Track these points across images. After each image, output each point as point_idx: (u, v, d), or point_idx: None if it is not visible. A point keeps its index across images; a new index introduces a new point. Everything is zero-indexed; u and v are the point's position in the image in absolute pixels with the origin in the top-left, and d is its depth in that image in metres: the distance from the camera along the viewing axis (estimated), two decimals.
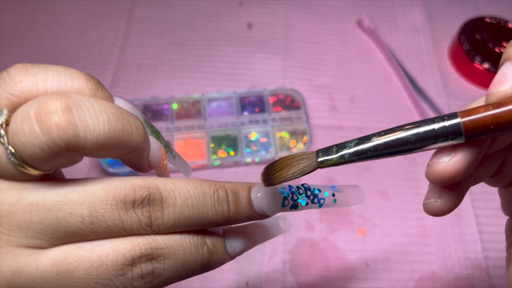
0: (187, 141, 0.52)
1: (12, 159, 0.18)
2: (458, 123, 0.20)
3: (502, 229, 0.28)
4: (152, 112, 0.54)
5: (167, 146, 0.25)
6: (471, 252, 0.46)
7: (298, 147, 0.52)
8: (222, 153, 0.51)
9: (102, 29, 0.62)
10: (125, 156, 0.21)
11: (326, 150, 0.22)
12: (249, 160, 0.51)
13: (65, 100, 0.18)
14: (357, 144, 0.22)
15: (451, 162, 0.21)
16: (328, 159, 0.22)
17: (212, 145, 0.52)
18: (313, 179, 0.50)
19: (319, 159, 0.22)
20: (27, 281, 0.18)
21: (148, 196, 0.20)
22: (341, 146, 0.22)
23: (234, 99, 0.55)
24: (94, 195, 0.19)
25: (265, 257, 0.45)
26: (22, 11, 0.64)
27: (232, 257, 0.24)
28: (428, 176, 0.22)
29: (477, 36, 0.60)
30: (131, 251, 0.19)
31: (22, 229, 0.18)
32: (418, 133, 0.21)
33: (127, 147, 0.20)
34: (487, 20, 0.62)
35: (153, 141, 0.22)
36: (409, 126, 0.21)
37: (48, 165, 0.18)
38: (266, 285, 0.43)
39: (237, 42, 0.62)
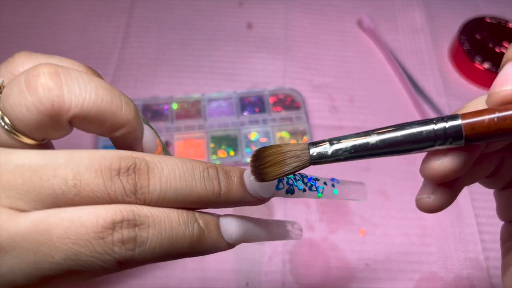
0: (187, 141, 0.52)
1: (2, 123, 0.19)
2: (459, 125, 0.19)
3: None
4: (152, 112, 0.54)
5: (165, 149, 0.25)
6: (471, 252, 0.46)
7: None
8: (222, 153, 0.51)
9: (102, 29, 0.62)
10: (115, 132, 0.21)
11: (319, 147, 0.21)
12: (249, 160, 0.51)
13: (54, 67, 0.19)
14: (353, 141, 0.20)
15: (446, 160, 0.21)
16: (322, 159, 0.21)
17: (212, 145, 0.52)
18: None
19: (312, 157, 0.21)
20: (4, 239, 0.17)
21: (134, 165, 0.19)
22: (335, 142, 0.21)
23: (234, 99, 0.55)
24: (79, 160, 0.19)
25: (265, 257, 0.45)
26: (22, 11, 0.64)
27: (229, 245, 0.23)
28: (422, 172, 0.22)
29: (477, 36, 0.60)
30: (112, 216, 0.18)
31: (6, 190, 0.18)
32: (416, 133, 0.20)
33: (116, 121, 0.20)
34: (487, 20, 0.62)
35: (147, 129, 0.23)
36: (408, 125, 0.20)
37: (36, 130, 0.19)
38: (266, 285, 0.43)
39: (237, 42, 0.62)
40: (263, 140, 0.52)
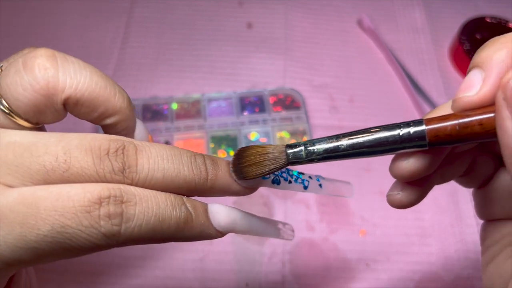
0: (187, 141, 0.52)
1: (0, 105, 0.19)
2: (423, 131, 0.20)
3: None
4: (151, 112, 0.54)
5: None
6: (471, 252, 0.46)
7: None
8: (222, 153, 0.51)
9: (102, 29, 0.62)
10: (107, 119, 0.22)
11: (296, 149, 0.22)
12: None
13: (51, 51, 0.20)
14: (325, 144, 0.22)
15: (411, 161, 0.22)
16: (298, 160, 0.22)
17: (212, 145, 0.52)
18: None
19: (289, 158, 0.22)
20: None
21: (122, 147, 0.20)
22: (309, 145, 0.22)
23: (234, 99, 0.55)
24: (70, 140, 0.19)
25: (265, 258, 0.45)
26: (22, 11, 0.64)
27: (218, 232, 0.23)
28: (390, 171, 0.23)
29: (478, 36, 0.60)
30: (100, 192, 0.19)
31: None
32: (383, 138, 0.21)
33: (109, 107, 0.21)
34: (488, 20, 0.62)
35: (139, 123, 0.24)
36: (375, 130, 0.21)
37: (32, 111, 0.20)
38: (266, 285, 0.43)
39: (237, 42, 0.62)
40: (263, 140, 0.52)
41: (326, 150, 0.22)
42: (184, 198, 0.22)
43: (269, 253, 0.45)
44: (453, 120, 0.20)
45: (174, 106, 0.54)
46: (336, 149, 0.22)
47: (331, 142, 0.22)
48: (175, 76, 0.58)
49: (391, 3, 0.67)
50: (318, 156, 0.22)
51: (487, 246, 0.26)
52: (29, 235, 0.18)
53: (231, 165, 0.23)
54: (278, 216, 0.47)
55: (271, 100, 0.55)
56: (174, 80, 0.58)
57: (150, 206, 0.20)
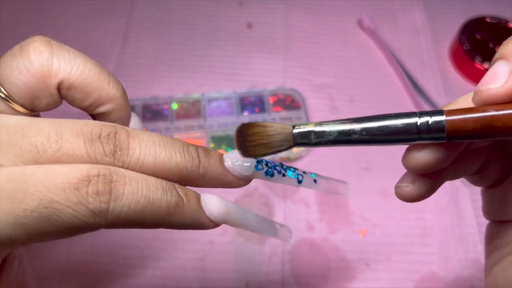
0: (187, 141, 0.52)
1: None
2: (442, 122, 0.19)
3: None
4: (152, 112, 0.54)
5: None
6: (471, 252, 0.46)
7: (298, 147, 0.52)
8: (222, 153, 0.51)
9: (102, 29, 0.62)
10: (101, 107, 0.22)
11: (303, 131, 0.21)
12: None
13: (47, 38, 0.21)
14: (337, 126, 0.21)
15: (427, 152, 0.21)
16: (306, 143, 0.21)
17: (212, 145, 0.52)
18: None
19: (296, 139, 0.21)
20: None
21: (114, 131, 0.20)
22: (319, 126, 0.21)
23: (234, 99, 0.55)
24: (62, 124, 0.20)
25: (265, 257, 0.45)
26: (22, 11, 0.64)
27: (211, 221, 0.22)
28: (403, 162, 0.22)
29: (478, 36, 0.60)
30: (89, 170, 0.19)
31: None
32: (400, 124, 0.20)
33: (102, 94, 0.21)
34: (488, 20, 0.62)
35: (134, 116, 0.24)
36: (391, 116, 0.20)
37: (26, 94, 0.20)
38: (266, 285, 0.43)
39: (237, 42, 0.62)
40: None
41: (336, 133, 0.20)
42: (176, 184, 0.22)
43: (269, 253, 0.45)
44: (476, 113, 0.19)
45: (174, 106, 0.54)
46: (347, 132, 0.20)
47: (342, 124, 0.20)
48: (175, 76, 0.58)
49: (391, 3, 0.67)
50: (329, 137, 0.20)
51: (494, 248, 0.26)
52: (17, 210, 0.18)
53: (235, 142, 0.22)
54: (278, 216, 0.47)
55: (271, 100, 0.55)
56: (174, 80, 0.58)
57: (140, 187, 0.20)
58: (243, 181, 0.24)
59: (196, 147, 0.23)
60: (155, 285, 0.43)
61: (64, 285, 0.42)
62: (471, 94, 0.21)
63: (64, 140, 0.19)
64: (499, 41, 0.59)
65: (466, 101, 0.21)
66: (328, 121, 0.21)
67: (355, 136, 0.20)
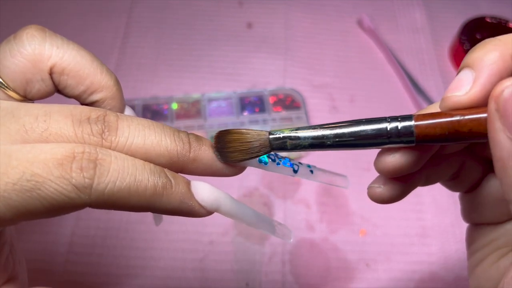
0: None
1: None
2: (411, 126, 0.20)
3: None
4: (152, 112, 0.54)
5: None
6: None
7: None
8: None
9: (102, 29, 0.62)
10: (93, 95, 0.22)
11: (278, 139, 0.22)
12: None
13: (42, 26, 0.21)
14: (310, 132, 0.21)
15: (397, 156, 0.22)
16: (282, 149, 0.22)
17: None
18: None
19: (273, 146, 0.22)
20: None
21: (104, 115, 0.20)
22: (293, 133, 0.22)
23: (234, 99, 0.55)
24: (52, 106, 0.20)
25: (265, 258, 0.45)
26: (22, 11, 0.64)
27: (201, 207, 0.22)
28: (375, 165, 0.23)
29: (478, 36, 0.60)
30: (74, 147, 0.19)
31: None
32: (371, 130, 0.21)
33: (95, 81, 0.22)
34: (488, 20, 0.62)
35: (129, 109, 0.24)
36: (363, 121, 0.21)
37: (19, 78, 0.21)
38: (266, 285, 0.43)
39: (237, 42, 0.62)
40: None
41: (310, 139, 0.21)
42: (166, 169, 0.21)
43: (269, 253, 0.45)
44: (442, 118, 0.20)
45: (174, 106, 0.54)
46: (320, 137, 0.21)
47: (316, 131, 0.21)
48: (175, 76, 0.58)
49: (391, 3, 0.67)
50: (303, 143, 0.21)
51: (474, 249, 0.26)
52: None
53: (214, 148, 0.23)
54: (278, 216, 0.47)
55: (271, 100, 0.55)
56: (174, 80, 0.58)
57: (126, 165, 0.19)
58: (235, 168, 0.23)
59: (187, 133, 0.22)
60: (155, 285, 0.43)
61: (64, 286, 0.42)
62: (436, 105, 0.22)
63: (52, 120, 0.19)
64: None
65: (435, 108, 0.22)
66: (303, 127, 0.22)
67: (328, 142, 0.21)
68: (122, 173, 0.19)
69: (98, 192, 0.19)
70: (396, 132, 0.20)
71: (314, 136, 0.21)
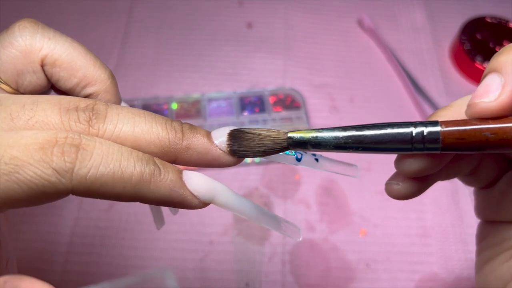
0: None
1: None
2: (437, 132, 0.19)
3: None
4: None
5: None
6: (472, 253, 0.46)
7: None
8: None
9: (102, 29, 0.62)
10: (86, 88, 0.22)
11: (299, 142, 0.21)
12: (249, 161, 0.51)
13: (35, 20, 0.21)
14: (331, 133, 0.21)
15: (417, 160, 0.21)
16: (300, 148, 0.21)
17: None
18: (313, 179, 0.50)
19: (290, 148, 0.21)
20: None
21: (93, 104, 0.20)
22: (314, 134, 0.21)
23: (234, 99, 0.55)
24: (41, 97, 0.20)
25: (265, 258, 0.45)
26: (21, 11, 0.64)
27: (194, 197, 0.20)
28: (395, 166, 0.22)
29: (478, 36, 0.60)
30: (57, 133, 0.18)
31: None
32: (395, 134, 0.20)
33: (88, 74, 0.21)
34: (488, 19, 0.62)
35: (125, 104, 0.24)
36: (387, 126, 0.20)
37: (10, 70, 0.21)
38: (266, 285, 0.43)
39: (237, 42, 0.62)
40: None
41: (333, 139, 0.20)
42: (156, 158, 0.20)
43: (269, 253, 0.45)
44: (472, 126, 0.19)
45: (174, 106, 0.54)
46: (342, 142, 0.20)
47: (338, 132, 0.20)
48: (175, 76, 0.58)
49: (392, 2, 0.67)
50: (323, 146, 0.21)
51: (485, 247, 0.26)
52: None
53: (227, 146, 0.21)
54: None
55: (271, 100, 0.55)
56: (174, 80, 0.58)
57: (111, 151, 0.19)
58: (232, 157, 0.22)
59: (181, 122, 0.21)
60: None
61: (64, 286, 0.42)
62: (467, 98, 0.21)
63: (39, 108, 0.19)
64: (499, 41, 0.59)
65: (460, 107, 0.21)
66: (321, 129, 0.21)
67: (350, 144, 0.20)
68: (106, 158, 0.18)
69: (79, 177, 0.18)
70: (421, 138, 0.19)
71: (336, 142, 0.21)
